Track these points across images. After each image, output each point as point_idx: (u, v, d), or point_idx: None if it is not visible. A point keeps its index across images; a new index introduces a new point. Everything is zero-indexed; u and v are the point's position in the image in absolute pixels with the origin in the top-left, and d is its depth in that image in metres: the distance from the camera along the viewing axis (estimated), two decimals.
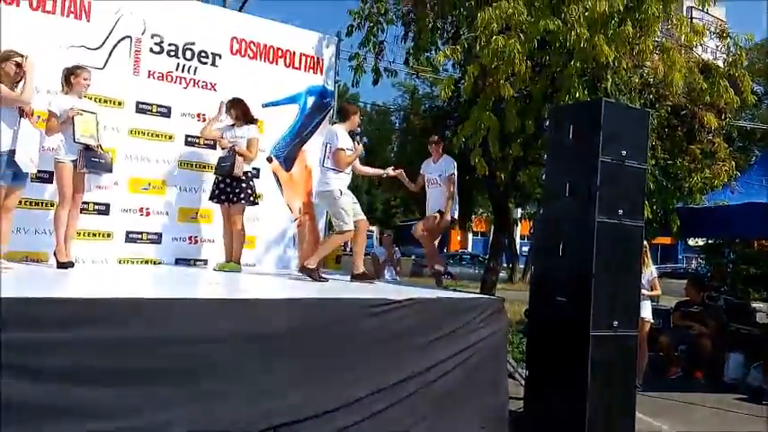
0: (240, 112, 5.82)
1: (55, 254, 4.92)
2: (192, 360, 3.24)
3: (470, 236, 35.61)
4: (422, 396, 4.06)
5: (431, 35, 7.59)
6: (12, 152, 4.30)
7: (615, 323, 4.47)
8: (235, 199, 5.67)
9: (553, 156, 5.07)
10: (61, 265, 4.82)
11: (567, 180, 4.63)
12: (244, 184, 5.70)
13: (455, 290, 6.02)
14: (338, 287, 5.10)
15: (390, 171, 6.28)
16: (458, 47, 6.52)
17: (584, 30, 5.81)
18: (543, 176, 6.38)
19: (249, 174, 5.82)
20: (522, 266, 24.04)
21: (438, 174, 6.36)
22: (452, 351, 4.29)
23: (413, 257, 22.85)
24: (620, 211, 4.53)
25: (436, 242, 6.76)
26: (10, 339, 2.71)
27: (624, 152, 4.56)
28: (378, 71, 7.98)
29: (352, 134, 5.51)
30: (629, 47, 6.25)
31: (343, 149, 5.28)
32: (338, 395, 3.70)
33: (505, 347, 5.01)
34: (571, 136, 4.64)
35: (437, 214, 6.31)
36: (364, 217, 5.51)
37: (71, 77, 4.93)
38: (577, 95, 6.07)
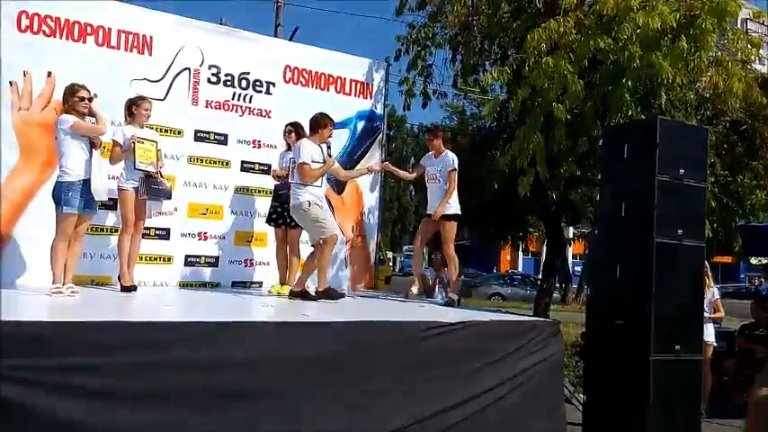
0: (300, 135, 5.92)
1: (119, 278, 5.13)
2: (253, 382, 3.30)
3: (521, 255, 35.13)
4: (475, 422, 4.01)
5: (478, 57, 7.64)
6: (85, 181, 4.50)
7: (677, 347, 4.33)
8: (293, 223, 5.74)
9: (607, 175, 5.01)
10: (125, 289, 5.02)
11: (623, 200, 4.56)
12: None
13: (508, 312, 5.95)
14: (393, 308, 5.13)
15: (375, 167, 6.30)
16: (506, 68, 6.53)
17: (636, 48, 5.74)
18: (596, 196, 6.27)
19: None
20: (576, 287, 23.50)
21: (439, 169, 6.04)
22: (506, 375, 4.24)
23: (462, 278, 22.55)
24: (680, 231, 4.42)
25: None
26: (80, 363, 2.84)
27: (682, 170, 4.46)
28: (427, 94, 8.07)
29: (322, 146, 5.46)
30: (683, 63, 6.13)
31: (306, 163, 5.18)
32: (389, 419, 3.69)
33: (562, 371, 4.91)
34: (626, 155, 4.58)
35: (430, 216, 6.04)
36: (337, 232, 5.45)
37: (133, 108, 5.16)
38: (630, 113, 5.98)
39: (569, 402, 5.41)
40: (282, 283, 5.90)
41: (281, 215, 5.83)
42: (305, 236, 5.99)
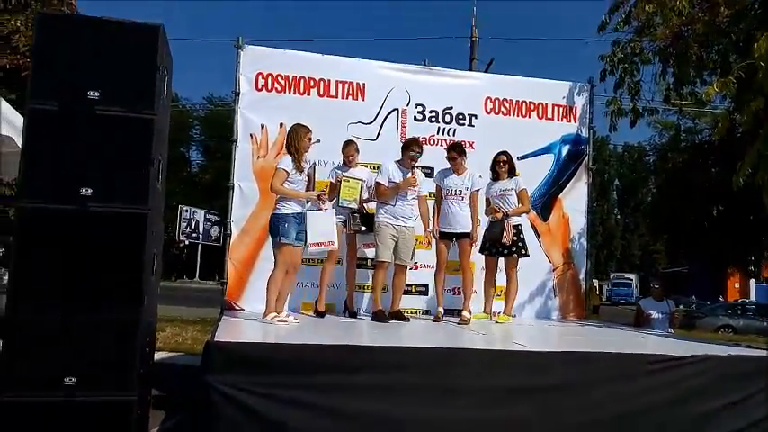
0: (510, 166, 5.97)
1: (316, 303, 5.59)
2: (469, 411, 3.36)
3: (752, 283, 30.93)
4: None
5: (695, 68, 7.07)
6: (299, 215, 4.79)
7: None
8: (506, 252, 5.78)
9: None
10: (320, 314, 5.47)
11: None
12: (515, 238, 5.78)
13: (749, 346, 5.29)
14: (611, 340, 4.87)
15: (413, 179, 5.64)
16: (731, 77, 5.93)
17: None
18: None
19: (519, 226, 5.87)
20: None
21: (465, 187, 5.70)
22: (746, 421, 3.79)
23: (680, 307, 20.55)
24: None
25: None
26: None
27: None
28: (636, 111, 7.66)
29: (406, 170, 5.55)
30: None
31: (381, 183, 5.49)
32: None
33: None
34: None
35: (468, 240, 5.70)
36: (407, 261, 5.53)
37: (343, 150, 5.66)
38: None
39: None
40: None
41: (493, 244, 5.88)
42: None
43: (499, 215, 5.77)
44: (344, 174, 5.56)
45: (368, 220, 5.67)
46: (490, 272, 6.00)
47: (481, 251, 6.01)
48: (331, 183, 5.59)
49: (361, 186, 5.58)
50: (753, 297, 29.97)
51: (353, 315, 5.59)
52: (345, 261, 5.87)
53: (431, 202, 6.01)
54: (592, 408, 3.53)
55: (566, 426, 3.49)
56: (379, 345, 3.71)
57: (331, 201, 5.46)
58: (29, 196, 2.84)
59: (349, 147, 5.68)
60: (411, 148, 5.64)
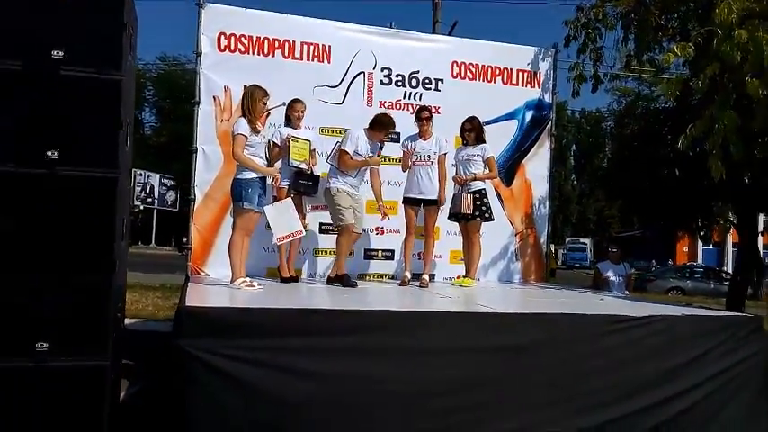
0: (477, 133, 5.94)
1: (278, 269, 5.53)
2: (434, 372, 3.45)
3: (700, 247, 32.21)
4: (667, 428, 3.83)
5: (654, 34, 7.18)
6: (261, 179, 4.70)
7: None
8: (469, 217, 5.83)
9: None
10: (284, 280, 5.42)
11: None
12: (478, 202, 5.84)
13: (701, 306, 5.55)
14: (573, 301, 5.03)
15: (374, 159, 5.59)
16: (689, 43, 6.06)
17: None
18: None
19: (483, 191, 5.92)
20: None
21: (432, 152, 5.72)
22: (703, 376, 3.99)
23: (633, 271, 21.24)
24: None
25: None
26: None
27: None
28: (597, 77, 7.74)
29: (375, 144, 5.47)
30: None
31: (347, 152, 5.29)
32: (575, 418, 3.64)
33: (765, 373, 4.50)
34: None
35: (434, 207, 5.75)
36: (356, 227, 5.41)
37: (288, 110, 5.51)
38: None
39: None
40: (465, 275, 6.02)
41: (456, 214, 5.92)
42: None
43: (461, 180, 5.82)
44: (292, 134, 5.37)
45: (315, 181, 5.53)
46: (466, 238, 6.06)
47: (449, 218, 6.09)
48: (275, 143, 5.30)
49: (311, 148, 5.44)
50: (700, 260, 31.26)
51: (290, 280, 5.44)
52: None
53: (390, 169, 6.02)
54: (557, 366, 3.66)
55: (533, 383, 3.61)
56: (366, 309, 3.80)
57: (276, 161, 5.22)
58: None
59: (298, 104, 5.51)
60: (389, 129, 5.59)
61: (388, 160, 6.48)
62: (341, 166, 5.37)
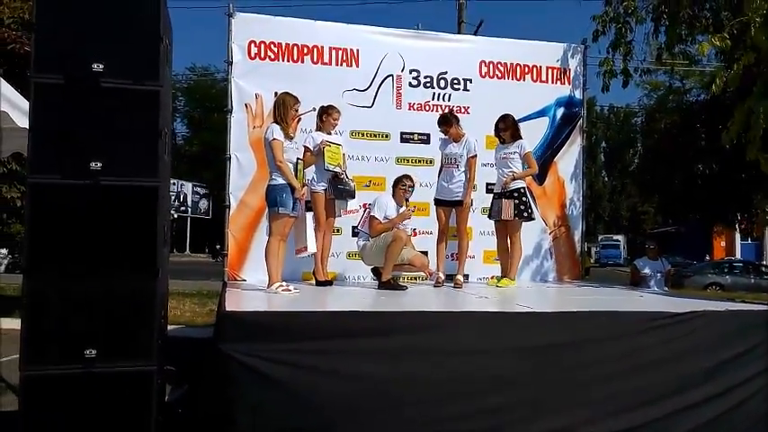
0: (512, 130, 5.88)
1: (314, 273, 5.54)
2: (474, 372, 3.43)
3: (738, 241, 31.42)
4: (709, 428, 3.73)
5: (687, 26, 7.07)
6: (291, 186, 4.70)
7: None
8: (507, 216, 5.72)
9: None
10: (320, 283, 5.43)
11: None
12: (517, 201, 5.73)
13: (744, 301, 5.41)
14: (611, 300, 4.96)
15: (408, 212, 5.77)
16: (725, 34, 5.94)
17: None
18: None
19: (522, 189, 5.81)
20: None
21: (459, 155, 5.67)
22: (748, 374, 3.87)
23: (670, 267, 20.80)
24: None
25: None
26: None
27: None
28: (627, 72, 7.66)
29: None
30: None
31: (377, 218, 5.55)
32: (615, 418, 3.57)
33: None
34: None
35: (453, 208, 5.74)
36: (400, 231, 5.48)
37: (323, 116, 5.49)
38: None
39: None
40: (503, 276, 5.96)
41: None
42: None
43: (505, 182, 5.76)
44: (326, 139, 5.39)
45: (351, 186, 5.52)
46: (503, 238, 5.98)
47: (490, 217, 6.04)
48: (306, 148, 5.32)
49: (342, 152, 5.45)
50: (738, 255, 30.48)
51: (325, 284, 5.45)
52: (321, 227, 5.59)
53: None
54: (598, 365, 3.61)
55: (575, 383, 3.57)
56: (411, 310, 3.85)
57: (306, 167, 5.23)
58: (40, 172, 2.82)
59: (335, 112, 5.52)
60: (402, 182, 5.73)
61: (419, 161, 6.52)
62: (371, 233, 5.59)
